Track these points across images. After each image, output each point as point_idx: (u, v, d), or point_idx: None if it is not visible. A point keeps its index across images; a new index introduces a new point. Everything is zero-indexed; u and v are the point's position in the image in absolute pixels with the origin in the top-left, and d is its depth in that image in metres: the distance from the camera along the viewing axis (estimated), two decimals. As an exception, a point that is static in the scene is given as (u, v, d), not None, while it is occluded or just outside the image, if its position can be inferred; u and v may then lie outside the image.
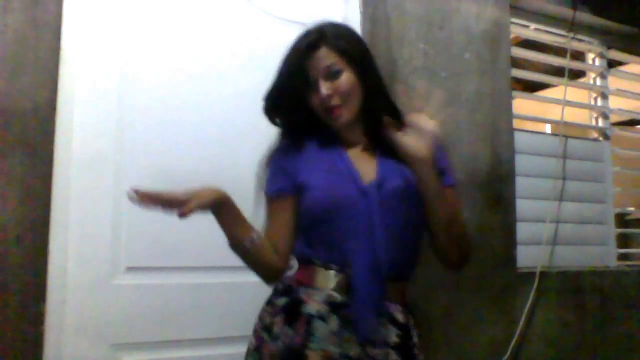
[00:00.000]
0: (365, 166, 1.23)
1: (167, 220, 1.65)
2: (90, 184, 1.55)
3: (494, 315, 2.09)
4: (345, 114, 1.21)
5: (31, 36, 1.47)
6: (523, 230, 2.22)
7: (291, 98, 1.22)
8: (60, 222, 1.49)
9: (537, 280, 2.18)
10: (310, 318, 1.15)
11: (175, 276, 1.64)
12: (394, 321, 1.18)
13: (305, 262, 1.22)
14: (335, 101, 1.19)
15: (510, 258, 2.16)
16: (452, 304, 2.01)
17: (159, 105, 1.66)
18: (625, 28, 2.60)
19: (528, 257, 2.22)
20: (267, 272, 1.23)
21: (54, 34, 1.51)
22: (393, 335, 1.16)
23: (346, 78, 1.20)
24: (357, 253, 1.15)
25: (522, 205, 2.24)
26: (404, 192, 1.19)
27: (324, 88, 1.18)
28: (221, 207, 1.16)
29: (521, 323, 2.12)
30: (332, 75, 1.20)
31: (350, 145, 1.27)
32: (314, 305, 1.17)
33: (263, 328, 1.21)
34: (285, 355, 1.15)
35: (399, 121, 1.25)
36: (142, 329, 1.58)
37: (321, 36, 1.21)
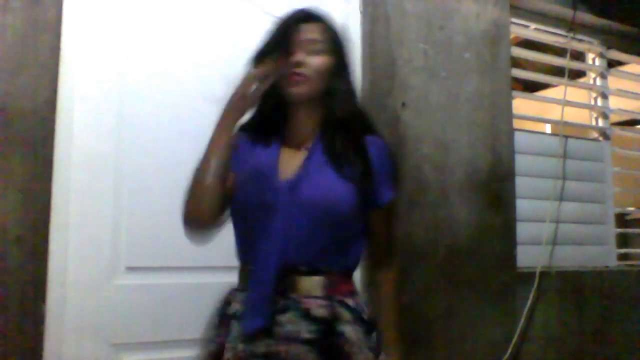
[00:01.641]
0: (291, 163, 1.20)
1: (167, 220, 1.66)
2: (90, 184, 1.55)
3: (494, 315, 2.09)
4: (304, 87, 1.19)
5: (31, 36, 1.47)
6: (523, 230, 2.22)
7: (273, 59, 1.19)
8: (60, 222, 1.49)
9: (537, 280, 2.18)
10: (230, 318, 1.18)
11: (175, 276, 1.64)
12: (307, 316, 1.13)
13: (239, 267, 1.25)
14: (302, 70, 1.18)
15: (510, 258, 2.16)
16: (452, 304, 2.01)
17: (159, 105, 1.66)
18: (625, 28, 2.60)
19: (528, 257, 2.23)
20: (204, 206, 1.19)
21: (54, 34, 1.51)
22: (304, 331, 1.11)
23: (323, 60, 1.20)
24: (258, 251, 1.15)
25: (522, 205, 2.24)
26: (319, 201, 1.15)
27: (300, 55, 1.18)
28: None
29: (521, 323, 2.12)
30: (313, 50, 1.19)
31: (292, 141, 1.24)
32: (234, 305, 1.20)
33: (205, 333, 1.25)
34: (214, 356, 1.18)
35: (366, 130, 1.24)
36: (142, 329, 1.58)
37: (319, 15, 1.24)
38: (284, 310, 1.13)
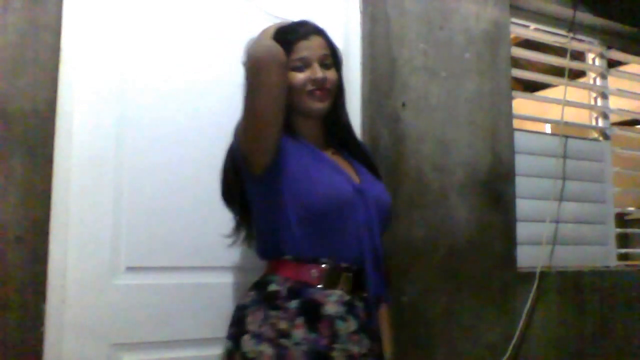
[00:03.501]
0: (347, 168, 1.28)
1: (167, 220, 1.66)
2: (90, 184, 1.55)
3: (494, 315, 2.09)
4: (327, 103, 1.25)
5: (31, 36, 1.47)
6: (523, 230, 2.22)
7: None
8: (60, 222, 1.49)
9: (537, 280, 2.18)
10: (332, 319, 1.15)
11: (175, 276, 1.64)
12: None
13: (305, 261, 1.19)
14: (325, 90, 1.24)
15: (510, 258, 2.16)
16: (452, 304, 2.01)
17: (159, 105, 1.66)
18: (625, 28, 2.60)
19: (528, 257, 2.22)
20: (276, 98, 1.14)
21: (54, 34, 1.51)
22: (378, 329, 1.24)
23: (334, 74, 1.27)
24: (364, 250, 1.18)
25: (522, 205, 2.24)
26: (385, 201, 1.28)
27: (321, 71, 1.23)
28: None
29: (521, 323, 2.12)
30: (326, 65, 1.25)
31: (317, 147, 1.30)
32: (332, 306, 1.17)
33: (280, 335, 1.14)
34: (312, 359, 1.12)
35: (350, 138, 1.34)
36: (142, 329, 1.58)
37: (321, 29, 1.28)
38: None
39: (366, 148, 1.36)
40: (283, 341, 1.13)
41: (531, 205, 2.29)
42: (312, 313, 1.15)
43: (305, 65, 1.22)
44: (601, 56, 2.66)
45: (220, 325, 1.61)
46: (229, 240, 1.33)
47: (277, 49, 1.14)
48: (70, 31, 1.55)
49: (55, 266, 1.48)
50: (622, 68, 3.04)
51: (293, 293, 1.17)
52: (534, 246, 2.26)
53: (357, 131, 1.90)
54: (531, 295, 2.16)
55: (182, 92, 1.69)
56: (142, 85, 1.64)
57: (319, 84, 1.22)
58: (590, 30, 2.58)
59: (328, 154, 1.29)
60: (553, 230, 2.33)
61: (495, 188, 2.15)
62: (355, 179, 1.25)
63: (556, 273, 2.27)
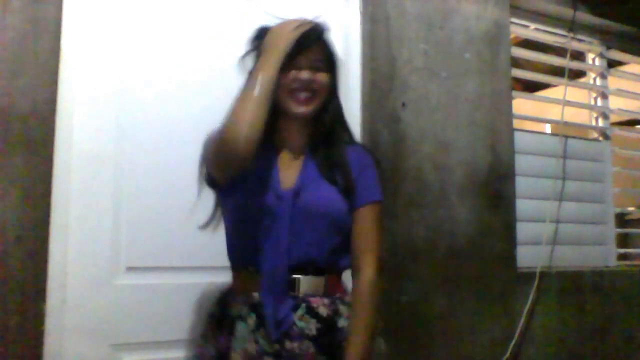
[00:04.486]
0: (289, 172, 1.26)
1: (167, 220, 1.66)
2: (90, 184, 1.55)
3: (494, 315, 2.09)
4: (312, 107, 1.24)
5: (31, 36, 1.47)
6: (523, 230, 2.22)
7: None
8: (60, 222, 1.49)
9: (537, 280, 2.18)
10: (233, 320, 1.21)
11: (175, 276, 1.64)
12: (314, 314, 1.21)
13: (233, 268, 1.28)
14: (311, 89, 1.23)
15: (510, 258, 2.16)
16: (452, 304, 2.01)
17: (159, 105, 1.66)
18: (625, 28, 2.60)
19: (528, 257, 2.22)
20: (247, 126, 1.14)
21: (54, 34, 1.51)
22: (313, 328, 1.19)
23: (325, 77, 1.26)
24: (266, 254, 1.20)
25: (522, 205, 2.24)
26: (319, 206, 1.22)
27: (309, 74, 1.22)
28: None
29: (521, 323, 2.12)
30: (316, 67, 1.24)
31: (285, 147, 1.29)
32: (236, 307, 1.22)
33: (199, 335, 1.27)
34: (217, 357, 1.20)
35: (349, 141, 1.32)
36: (142, 329, 1.58)
37: (322, 36, 1.27)
38: (294, 308, 1.20)
39: (341, 152, 1.28)
40: (201, 342, 1.26)
41: (531, 205, 2.29)
42: (220, 315, 1.25)
43: (295, 67, 1.23)
44: (601, 56, 2.66)
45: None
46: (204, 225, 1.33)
47: (251, 131, 1.14)
48: (70, 31, 1.55)
49: (55, 266, 1.48)
50: (622, 68, 3.05)
51: (218, 299, 1.28)
52: (534, 246, 2.26)
53: (357, 131, 1.90)
54: (531, 295, 2.16)
55: (181, 92, 1.69)
56: (142, 85, 1.64)
57: (304, 84, 1.23)
58: (590, 30, 2.58)
59: (284, 158, 1.28)
60: (553, 230, 2.33)
61: (495, 188, 2.15)
62: (288, 185, 1.23)
63: (556, 273, 2.27)
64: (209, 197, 1.32)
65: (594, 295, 2.33)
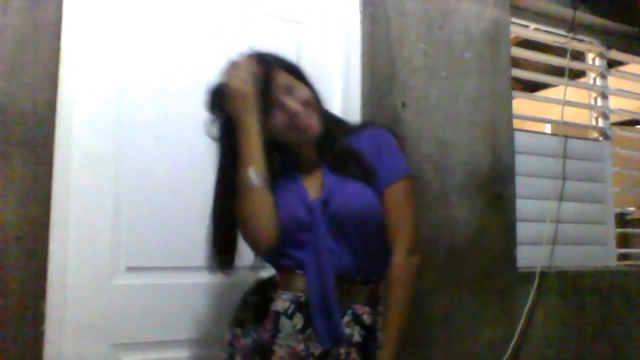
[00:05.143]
0: (314, 183, 1.27)
1: (167, 220, 1.66)
2: (90, 184, 1.55)
3: (494, 315, 2.09)
4: (315, 121, 1.25)
5: (31, 36, 1.47)
6: (523, 230, 2.22)
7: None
8: (60, 222, 1.49)
9: (537, 280, 2.18)
10: (277, 315, 1.22)
11: (175, 276, 1.64)
12: (359, 321, 1.22)
13: (277, 268, 1.30)
14: (305, 114, 1.23)
15: (510, 258, 2.16)
16: (452, 304, 2.01)
17: (159, 105, 1.66)
18: (625, 28, 2.60)
19: (528, 257, 2.22)
20: (262, 230, 1.22)
21: (54, 34, 1.51)
22: (357, 335, 1.21)
23: (303, 90, 1.25)
24: (308, 262, 1.22)
25: (522, 205, 2.24)
26: (351, 207, 1.22)
27: (292, 102, 1.22)
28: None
29: (521, 323, 2.12)
30: (291, 90, 1.24)
31: (303, 162, 1.31)
32: (281, 303, 1.23)
33: (236, 324, 1.28)
34: (254, 350, 1.22)
35: (348, 130, 1.32)
36: (142, 329, 1.58)
37: (270, 60, 1.25)
38: (342, 315, 1.21)
39: (345, 145, 1.27)
40: (237, 330, 1.27)
41: (531, 205, 2.29)
42: (262, 308, 1.26)
43: (276, 105, 1.22)
44: (601, 56, 2.66)
45: (219, 325, 1.61)
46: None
47: (268, 232, 1.22)
48: (70, 31, 1.55)
49: (55, 266, 1.48)
50: (622, 68, 3.04)
51: (258, 290, 1.31)
52: (534, 246, 2.26)
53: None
54: (531, 295, 2.16)
55: (181, 92, 1.68)
56: (142, 85, 1.64)
57: (297, 118, 1.23)
58: (590, 30, 2.58)
59: (303, 174, 1.29)
60: (553, 230, 2.33)
61: (495, 188, 2.15)
62: (314, 195, 1.25)
63: (556, 273, 2.27)
64: (209, 196, 1.32)
65: (594, 295, 2.33)
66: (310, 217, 1.22)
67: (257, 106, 1.20)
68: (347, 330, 1.20)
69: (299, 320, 1.20)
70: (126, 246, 1.58)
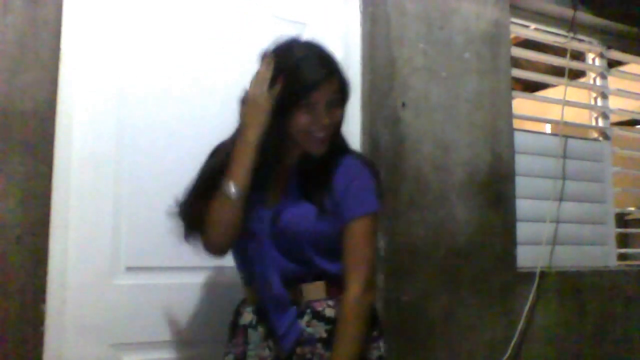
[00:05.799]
0: (277, 190, 1.28)
1: (167, 220, 1.66)
2: (90, 184, 1.55)
3: (494, 315, 2.09)
4: (325, 147, 1.25)
5: (31, 36, 1.47)
6: (523, 230, 2.22)
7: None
8: (60, 222, 1.49)
9: (537, 280, 2.18)
10: (245, 329, 1.28)
11: (175, 276, 1.64)
12: (321, 317, 1.23)
13: (242, 281, 1.36)
14: (327, 135, 1.23)
15: (510, 258, 2.16)
16: (452, 304, 2.01)
17: (159, 105, 1.66)
18: (625, 28, 2.60)
19: (528, 257, 2.22)
20: (217, 238, 1.26)
21: (54, 34, 1.51)
22: (321, 331, 1.22)
23: (340, 112, 1.26)
24: (257, 274, 1.25)
25: (522, 205, 2.24)
26: (299, 227, 1.23)
27: (326, 117, 1.21)
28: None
29: (521, 323, 2.12)
30: (333, 104, 1.22)
31: (280, 168, 1.29)
32: (246, 316, 1.30)
33: (226, 343, 1.36)
34: None
35: (343, 152, 1.31)
36: (142, 329, 1.58)
37: (335, 68, 1.23)
38: (300, 315, 1.23)
39: (325, 170, 1.26)
40: (226, 349, 1.34)
41: (531, 205, 2.29)
42: (233, 324, 1.34)
43: (311, 109, 1.19)
44: (601, 56, 2.66)
45: (219, 326, 1.61)
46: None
47: (223, 240, 1.27)
48: (70, 31, 1.55)
49: (55, 266, 1.48)
50: (622, 68, 3.04)
51: (236, 309, 1.37)
52: (534, 246, 2.26)
53: (357, 132, 1.91)
54: (531, 295, 2.16)
55: (182, 92, 1.68)
56: (142, 86, 1.64)
57: (321, 131, 1.22)
58: (590, 30, 2.58)
59: (276, 174, 1.28)
60: (553, 230, 2.33)
61: (495, 188, 2.15)
62: (272, 204, 1.25)
63: (556, 273, 2.27)
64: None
65: (594, 295, 2.33)
66: (259, 226, 1.24)
67: (282, 98, 1.18)
68: (309, 330, 1.21)
69: (262, 329, 1.25)
70: (126, 246, 1.58)
